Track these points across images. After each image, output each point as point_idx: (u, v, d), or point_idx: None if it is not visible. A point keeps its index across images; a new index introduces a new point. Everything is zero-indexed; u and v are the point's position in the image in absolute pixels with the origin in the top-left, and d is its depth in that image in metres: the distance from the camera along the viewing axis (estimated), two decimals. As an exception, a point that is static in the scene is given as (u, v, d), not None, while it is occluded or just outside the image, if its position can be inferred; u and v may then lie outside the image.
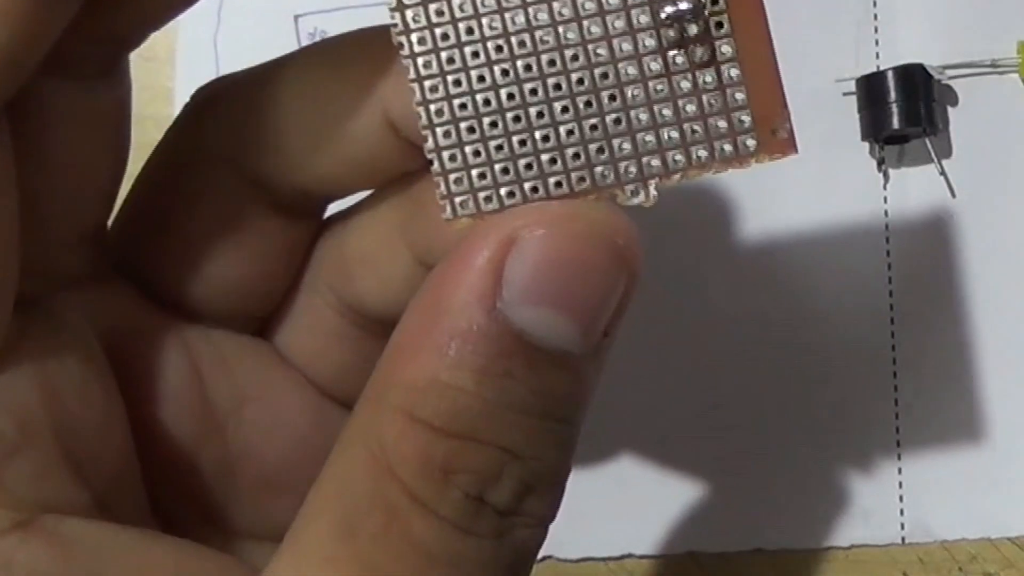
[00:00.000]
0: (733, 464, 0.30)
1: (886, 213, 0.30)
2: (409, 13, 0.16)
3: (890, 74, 0.29)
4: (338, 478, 0.16)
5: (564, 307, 0.15)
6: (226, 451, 0.20)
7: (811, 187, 0.30)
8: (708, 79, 0.16)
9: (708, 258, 0.30)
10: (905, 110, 0.29)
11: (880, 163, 0.30)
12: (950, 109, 0.30)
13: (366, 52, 0.18)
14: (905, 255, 0.30)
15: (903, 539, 0.29)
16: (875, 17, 0.31)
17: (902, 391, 0.29)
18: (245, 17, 0.32)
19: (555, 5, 0.15)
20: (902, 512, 0.29)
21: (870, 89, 0.30)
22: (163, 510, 0.19)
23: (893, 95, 0.29)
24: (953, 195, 0.30)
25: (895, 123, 0.29)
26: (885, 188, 0.30)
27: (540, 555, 0.29)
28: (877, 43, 0.31)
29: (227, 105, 0.19)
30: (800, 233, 0.30)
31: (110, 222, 0.20)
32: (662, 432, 0.30)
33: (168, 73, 0.32)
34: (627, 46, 0.16)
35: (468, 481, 0.15)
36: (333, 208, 0.21)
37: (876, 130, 0.30)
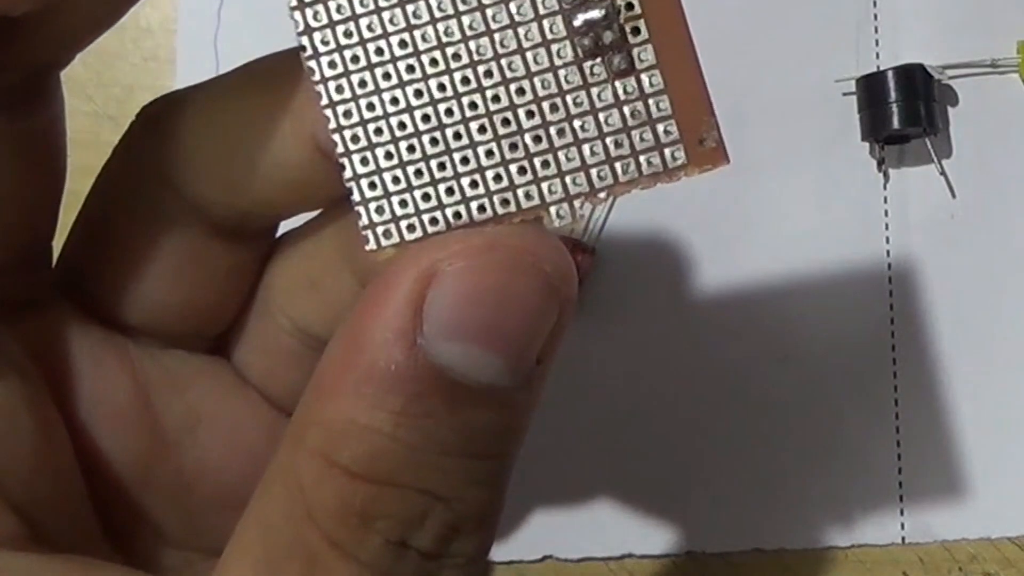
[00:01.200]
0: (733, 464, 0.30)
1: (886, 213, 0.30)
2: (317, 36, 0.15)
3: (890, 74, 0.29)
4: (259, 520, 0.16)
5: (489, 341, 0.15)
6: (180, 470, 0.19)
7: (811, 188, 0.30)
8: (629, 89, 0.15)
9: (708, 259, 0.30)
10: (905, 110, 0.29)
11: (880, 163, 0.30)
12: (950, 109, 0.30)
13: (289, 75, 0.17)
14: (905, 255, 0.30)
15: (903, 539, 0.29)
16: (875, 17, 0.31)
17: (902, 391, 0.29)
18: (245, 17, 0.32)
19: (464, 19, 0.15)
20: (902, 512, 0.29)
21: (870, 89, 0.30)
22: (117, 532, 0.19)
23: (893, 95, 0.29)
24: (953, 195, 0.30)
25: (895, 123, 0.29)
26: (885, 188, 0.30)
27: (540, 555, 0.30)
28: (877, 43, 0.31)
29: (164, 126, 0.18)
30: (800, 233, 0.30)
31: (62, 240, 0.19)
32: (662, 432, 0.30)
33: (168, 73, 0.32)
34: (542, 58, 0.15)
35: (388, 527, 0.15)
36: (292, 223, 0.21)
37: (876, 130, 0.30)
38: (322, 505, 0.15)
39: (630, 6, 0.15)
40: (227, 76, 0.18)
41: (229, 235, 0.19)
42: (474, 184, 0.15)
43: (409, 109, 0.15)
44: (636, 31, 0.15)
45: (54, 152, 0.18)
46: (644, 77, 0.15)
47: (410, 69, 0.15)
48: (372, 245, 0.15)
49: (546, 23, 0.15)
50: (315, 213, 0.20)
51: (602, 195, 0.15)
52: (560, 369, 0.31)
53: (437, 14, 0.15)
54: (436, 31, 0.15)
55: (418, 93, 0.15)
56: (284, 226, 0.21)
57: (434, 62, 0.15)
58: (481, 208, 0.15)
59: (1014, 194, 0.30)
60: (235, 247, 0.19)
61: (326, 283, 0.19)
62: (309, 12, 0.15)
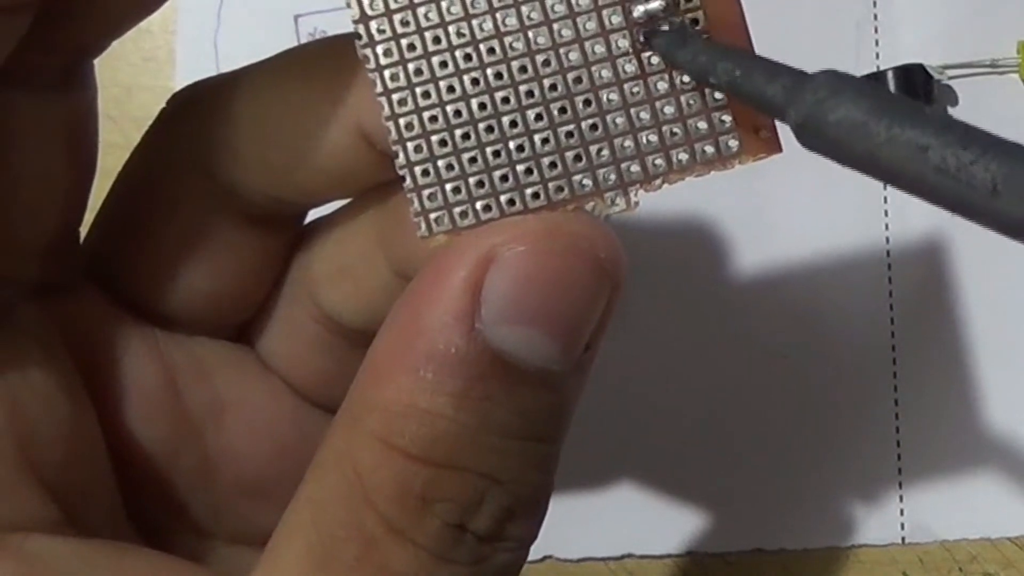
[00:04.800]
0: (733, 464, 0.30)
1: (886, 214, 0.30)
2: (373, 24, 0.15)
3: (890, 74, 0.29)
4: (313, 502, 0.16)
5: (545, 325, 0.15)
6: (205, 457, 0.19)
7: (811, 188, 0.30)
8: (685, 79, 0.15)
9: (707, 258, 0.30)
10: (905, 110, 0.29)
11: (880, 163, 0.30)
12: (950, 109, 0.30)
13: (336, 62, 0.17)
14: (905, 256, 0.30)
15: (903, 539, 0.29)
16: (875, 17, 0.31)
17: (902, 391, 0.29)
18: (245, 17, 0.32)
19: (524, 9, 0.15)
20: (902, 512, 0.29)
21: (870, 89, 0.30)
22: (142, 517, 0.19)
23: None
24: (953, 195, 0.30)
25: (895, 123, 0.29)
26: (885, 188, 0.30)
27: (540, 555, 0.30)
28: (877, 43, 0.31)
29: (200, 112, 0.18)
30: (800, 234, 0.30)
31: (88, 226, 0.19)
32: (662, 432, 0.30)
33: (168, 73, 0.32)
34: (600, 48, 0.15)
35: (448, 510, 0.15)
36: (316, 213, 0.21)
37: (876, 130, 0.30)
38: (380, 489, 0.15)
39: (692, 9, 0.15)
40: (268, 62, 0.18)
41: (261, 221, 0.19)
42: (529, 171, 0.15)
43: (465, 97, 0.15)
44: (695, 22, 0.15)
45: (88, 137, 0.18)
46: None
47: (467, 58, 0.15)
48: (424, 231, 0.15)
49: (605, 13, 0.15)
50: (345, 201, 0.20)
51: (657, 182, 0.15)
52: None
53: (496, 4, 0.15)
54: (495, 21, 0.15)
55: (475, 81, 0.15)
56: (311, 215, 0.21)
57: (491, 51, 0.15)
58: (535, 195, 0.15)
59: (1014, 194, 0.30)
60: (266, 233, 0.19)
61: (359, 271, 0.19)
62: (366, 0, 0.15)
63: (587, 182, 0.15)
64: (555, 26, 0.15)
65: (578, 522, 0.30)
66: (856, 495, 0.29)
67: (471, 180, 0.15)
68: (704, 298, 0.30)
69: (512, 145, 0.15)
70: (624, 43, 0.15)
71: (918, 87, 0.29)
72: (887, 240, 0.30)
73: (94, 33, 0.17)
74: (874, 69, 0.30)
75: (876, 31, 0.31)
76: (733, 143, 0.15)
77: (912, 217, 0.30)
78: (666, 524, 0.30)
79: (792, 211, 0.30)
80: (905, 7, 0.30)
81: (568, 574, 0.30)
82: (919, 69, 0.29)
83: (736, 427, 0.30)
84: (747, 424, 0.30)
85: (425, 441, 0.15)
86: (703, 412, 0.30)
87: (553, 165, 0.15)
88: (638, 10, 0.15)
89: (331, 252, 0.20)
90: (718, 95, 0.15)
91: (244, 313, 0.20)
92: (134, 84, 0.31)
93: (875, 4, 0.31)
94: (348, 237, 0.20)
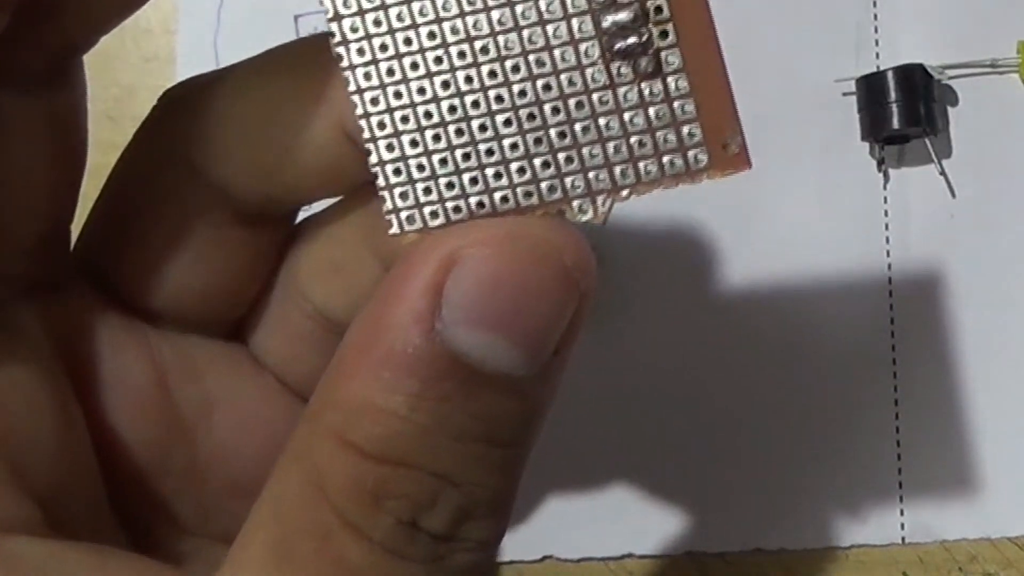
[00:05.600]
0: (733, 464, 0.30)
1: (886, 213, 0.30)
2: (346, 23, 0.15)
3: (890, 74, 0.29)
4: (274, 497, 0.16)
5: (506, 330, 0.15)
6: (196, 456, 0.19)
7: (811, 187, 0.30)
8: (655, 90, 0.15)
9: (707, 258, 0.30)
10: (905, 110, 0.29)
11: (880, 163, 0.30)
12: (950, 109, 0.30)
13: (318, 60, 0.17)
14: (905, 255, 0.30)
15: (903, 539, 0.29)
16: (875, 17, 0.31)
17: (902, 391, 0.29)
18: (245, 17, 0.32)
19: (494, 14, 0.15)
20: (902, 512, 0.29)
21: (870, 89, 0.30)
22: (129, 515, 0.19)
23: (893, 95, 0.29)
24: (953, 195, 0.30)
25: (895, 123, 0.29)
26: (885, 188, 0.30)
27: (540, 555, 0.30)
28: (877, 43, 0.31)
29: (189, 111, 0.18)
30: (800, 233, 0.30)
31: (80, 223, 0.19)
32: (663, 433, 0.30)
33: (168, 73, 0.32)
34: (569, 56, 0.15)
35: (400, 507, 0.15)
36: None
37: (876, 130, 0.30)
38: (336, 484, 0.15)
39: (659, 9, 0.15)
40: (254, 60, 0.18)
41: (252, 220, 0.19)
42: (498, 175, 0.15)
43: (436, 99, 0.15)
44: (664, 34, 0.15)
45: (77, 134, 0.18)
46: (670, 80, 0.15)
47: (438, 60, 0.15)
48: (396, 229, 0.16)
49: (575, 22, 0.15)
50: (337, 199, 0.20)
51: (624, 193, 0.15)
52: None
53: (467, 7, 0.15)
54: (465, 24, 0.15)
55: (445, 84, 0.15)
56: (304, 213, 0.21)
57: (462, 55, 0.15)
58: (504, 199, 0.15)
59: (1014, 194, 0.30)
60: (257, 232, 0.19)
61: (349, 267, 0.19)
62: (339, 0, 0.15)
63: (555, 188, 0.15)
64: (525, 32, 0.15)
65: (578, 522, 0.30)
66: (856, 495, 0.29)
67: (441, 181, 0.15)
68: (704, 299, 0.30)
69: (482, 148, 0.15)
70: (594, 51, 0.15)
71: (918, 87, 0.29)
72: (887, 240, 0.30)
73: (80, 30, 0.17)
74: (874, 69, 0.30)
75: (876, 31, 0.31)
76: (702, 157, 0.15)
77: (913, 216, 0.30)
78: (666, 524, 0.30)
79: (793, 211, 0.30)
80: (905, 7, 0.30)
81: (568, 574, 0.30)
82: (919, 69, 0.29)
83: (736, 427, 0.30)
84: (747, 424, 0.30)
85: (379, 439, 0.15)
86: (703, 412, 0.30)
87: (522, 171, 0.15)
88: (607, 20, 0.15)
89: (322, 249, 0.20)
90: (688, 108, 0.15)
91: (236, 311, 0.20)
92: (134, 84, 0.31)
93: (875, 4, 0.31)
94: (339, 234, 0.20)
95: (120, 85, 0.31)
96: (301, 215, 0.21)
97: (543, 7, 0.15)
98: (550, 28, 0.15)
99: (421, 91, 0.15)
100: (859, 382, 0.29)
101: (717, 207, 0.30)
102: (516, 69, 0.15)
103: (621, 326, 0.30)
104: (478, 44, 0.15)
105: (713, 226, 0.30)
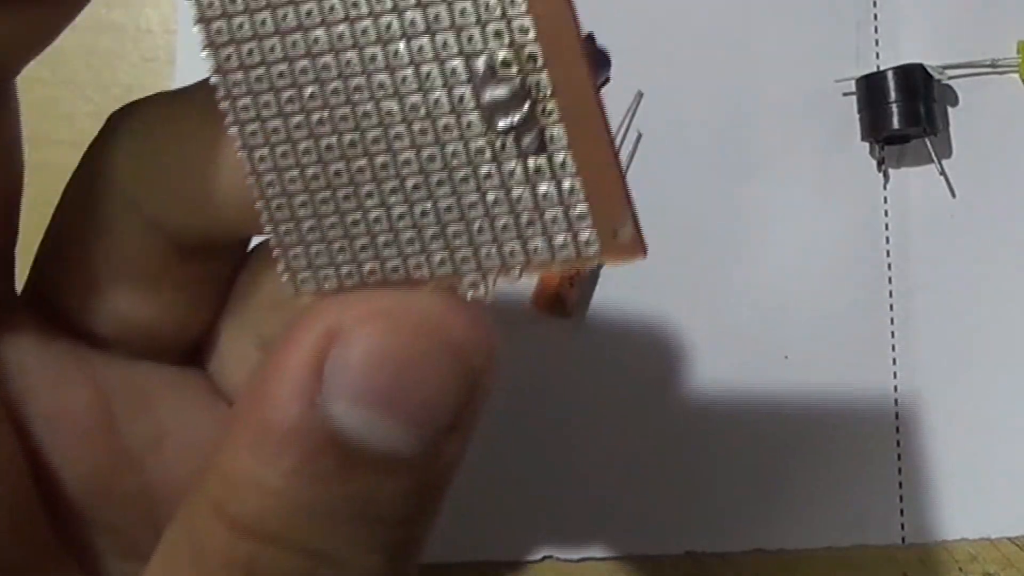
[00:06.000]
0: (733, 464, 0.30)
1: (886, 213, 0.30)
2: (230, 79, 0.14)
3: (890, 74, 0.29)
4: (163, 556, 0.15)
5: (388, 408, 0.14)
6: (144, 484, 0.19)
7: (811, 188, 0.30)
8: (540, 168, 0.14)
9: (707, 258, 0.30)
10: (905, 110, 0.29)
11: (880, 163, 0.30)
12: (950, 109, 0.30)
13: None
14: (905, 255, 0.30)
15: (903, 539, 0.29)
16: (875, 17, 0.31)
17: (902, 391, 0.29)
18: (245, 17, 0.32)
19: (377, 77, 0.14)
20: (902, 512, 0.29)
21: (870, 89, 0.30)
22: (79, 542, 0.18)
23: (893, 95, 0.29)
24: (953, 195, 0.30)
25: (895, 123, 0.29)
26: (885, 188, 0.30)
27: (540, 555, 0.30)
28: (877, 43, 0.31)
29: (126, 138, 0.18)
30: (800, 233, 0.30)
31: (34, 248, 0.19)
32: (662, 433, 0.30)
33: (168, 74, 0.32)
34: (452, 127, 0.14)
35: None
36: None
37: (876, 130, 0.30)
38: (212, 555, 0.15)
39: (539, 86, 0.14)
40: (187, 91, 0.18)
41: (195, 250, 0.19)
42: (387, 244, 0.15)
43: (322, 161, 0.14)
44: (547, 112, 0.14)
45: (10, 158, 0.18)
46: (555, 158, 0.14)
47: (320, 122, 0.14)
48: (291, 290, 0.15)
49: (456, 91, 0.14)
50: None
51: (515, 273, 0.15)
52: (559, 369, 0.31)
53: (346, 69, 0.14)
54: (346, 85, 0.14)
55: (329, 148, 0.14)
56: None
57: (344, 118, 0.14)
58: (395, 268, 0.15)
59: (1014, 194, 0.30)
60: (203, 261, 0.19)
61: (288, 303, 0.19)
62: (222, 53, 0.14)
63: (445, 262, 0.15)
64: (406, 99, 0.14)
65: (578, 522, 0.30)
66: (856, 495, 0.29)
67: (333, 245, 0.15)
68: (704, 298, 0.30)
69: (371, 215, 0.15)
70: (476, 124, 0.14)
71: (918, 87, 0.29)
72: (887, 240, 0.30)
73: (5, 55, 0.17)
74: (874, 69, 0.30)
75: (876, 31, 0.31)
76: (593, 243, 0.14)
77: (913, 216, 0.30)
78: (666, 524, 0.30)
79: (793, 211, 0.30)
80: (905, 7, 0.30)
81: (568, 574, 0.30)
82: (919, 69, 0.29)
83: (736, 427, 0.30)
84: (747, 424, 0.30)
85: (253, 513, 0.14)
86: (703, 412, 0.30)
87: (411, 241, 0.15)
88: (486, 95, 0.14)
89: (267, 281, 0.19)
90: (575, 190, 0.14)
91: (187, 337, 0.20)
92: (134, 84, 0.31)
93: (875, 4, 0.31)
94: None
95: (120, 85, 0.31)
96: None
97: (423, 73, 0.14)
98: (431, 96, 0.14)
99: (307, 152, 0.14)
100: (859, 382, 0.29)
101: (717, 206, 0.30)
102: (399, 137, 0.14)
103: (619, 325, 0.30)
104: (360, 108, 0.14)
105: (713, 225, 0.30)
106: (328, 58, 0.14)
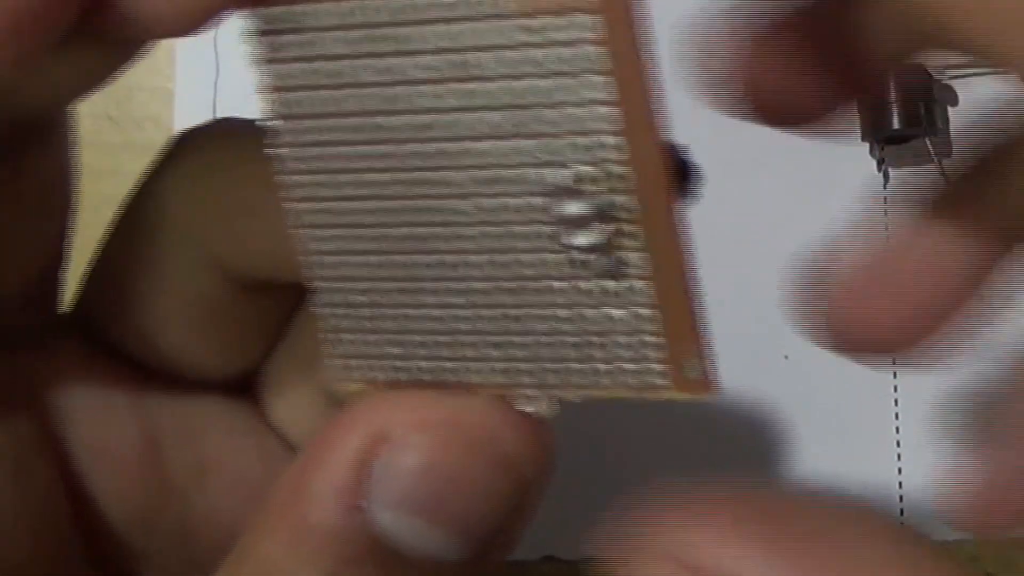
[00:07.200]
0: (733, 464, 0.30)
1: (886, 214, 0.30)
2: (293, 179, 0.14)
3: (890, 74, 0.29)
4: None
5: (436, 516, 0.14)
6: (186, 518, 0.19)
7: (811, 187, 0.30)
8: (616, 288, 0.13)
9: (707, 258, 0.30)
10: (905, 110, 0.29)
11: (880, 163, 0.30)
12: (950, 109, 0.30)
13: None
14: (905, 255, 0.30)
15: (903, 539, 0.29)
16: (875, 17, 0.31)
17: (902, 391, 0.29)
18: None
19: (456, 175, 0.13)
20: (902, 512, 0.29)
21: (870, 89, 0.30)
22: (113, 573, 0.18)
23: (893, 95, 0.29)
24: (953, 195, 0.30)
25: (895, 123, 0.29)
26: (885, 188, 0.30)
27: (540, 555, 0.30)
28: (877, 43, 0.31)
29: (190, 174, 0.18)
30: (800, 233, 0.30)
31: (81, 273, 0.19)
32: (663, 432, 0.30)
33: (168, 74, 0.32)
34: (529, 234, 0.13)
35: None
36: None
37: (876, 130, 0.30)
38: None
39: (623, 208, 0.13)
40: (250, 126, 0.17)
41: (256, 287, 0.18)
42: (446, 344, 0.14)
43: (387, 252, 0.14)
44: (628, 234, 0.13)
45: (62, 189, 0.18)
46: (634, 284, 0.14)
47: (388, 212, 0.14)
48: (339, 376, 0.14)
49: (534, 201, 0.13)
50: None
51: (575, 397, 0.14)
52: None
53: (419, 162, 0.13)
54: (418, 178, 0.13)
55: (395, 238, 0.14)
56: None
57: (418, 210, 0.14)
58: (452, 371, 0.14)
59: (1014, 194, 0.30)
60: (263, 298, 0.19)
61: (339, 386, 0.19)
62: (289, 158, 0.14)
63: (506, 372, 0.14)
64: (483, 201, 0.13)
65: (578, 522, 0.30)
66: (856, 495, 0.29)
67: (388, 337, 0.14)
68: (703, 298, 0.30)
69: (433, 313, 0.14)
70: (554, 236, 0.13)
71: (918, 87, 0.29)
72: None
73: (36, 107, 0.16)
74: (874, 69, 0.30)
75: (876, 31, 0.31)
76: (660, 378, 0.14)
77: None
78: (666, 524, 0.30)
79: (793, 211, 0.30)
80: (905, 7, 0.30)
81: (568, 574, 0.30)
82: (919, 69, 0.29)
83: (736, 427, 0.30)
84: (747, 424, 0.30)
85: None
86: (703, 412, 0.30)
87: (473, 346, 0.14)
88: (559, 209, 0.13)
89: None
90: (651, 313, 0.13)
91: (241, 369, 0.19)
92: (134, 84, 0.31)
93: (875, 4, 0.31)
94: None
95: (120, 85, 0.31)
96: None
97: (503, 177, 0.13)
98: (508, 202, 0.13)
99: (373, 239, 0.14)
100: (859, 383, 0.29)
101: (717, 206, 0.30)
102: (471, 239, 0.13)
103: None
104: (435, 204, 0.13)
105: (713, 225, 0.30)
106: (407, 147, 0.13)
